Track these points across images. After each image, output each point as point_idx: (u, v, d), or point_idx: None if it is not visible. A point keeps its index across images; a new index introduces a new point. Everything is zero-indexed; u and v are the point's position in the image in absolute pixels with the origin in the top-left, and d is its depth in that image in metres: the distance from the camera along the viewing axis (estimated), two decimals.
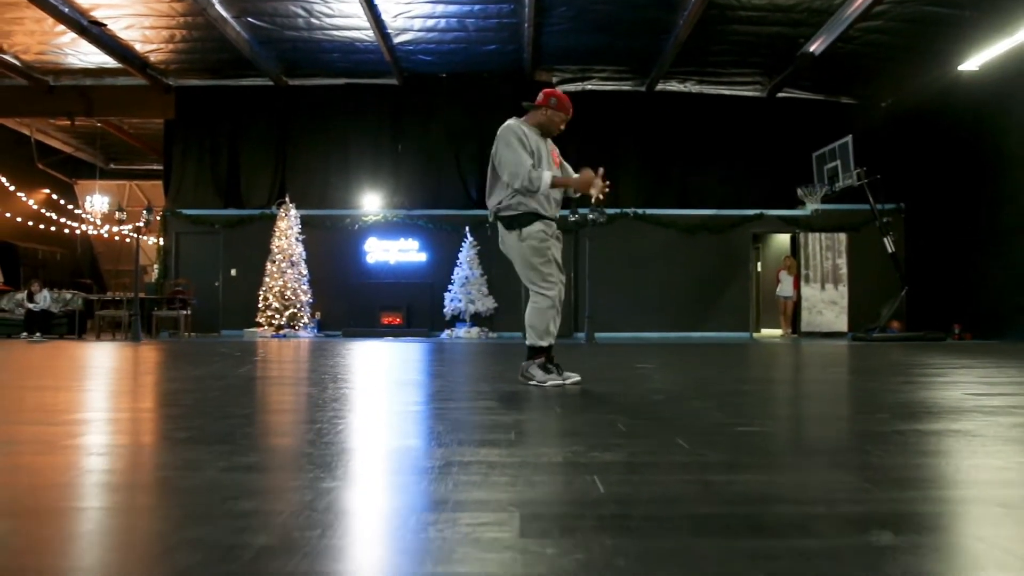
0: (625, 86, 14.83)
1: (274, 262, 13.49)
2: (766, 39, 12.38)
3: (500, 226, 4.01)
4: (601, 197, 3.84)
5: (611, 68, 14.13)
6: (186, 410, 3.13)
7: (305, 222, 14.03)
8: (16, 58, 13.52)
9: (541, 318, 3.89)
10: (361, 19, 11.86)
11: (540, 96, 3.99)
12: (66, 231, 19.38)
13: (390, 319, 14.12)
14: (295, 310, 13.41)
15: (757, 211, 14.34)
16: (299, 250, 13.73)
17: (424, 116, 14.79)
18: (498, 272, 13.26)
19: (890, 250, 12.38)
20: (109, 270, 21.55)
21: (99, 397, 3.74)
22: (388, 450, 2.22)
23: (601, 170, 3.86)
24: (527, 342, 3.99)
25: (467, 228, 13.85)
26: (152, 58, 13.63)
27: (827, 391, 4.32)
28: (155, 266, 15.85)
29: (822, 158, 13.72)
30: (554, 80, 14.45)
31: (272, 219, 13.90)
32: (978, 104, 12.23)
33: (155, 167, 18.76)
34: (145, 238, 18.14)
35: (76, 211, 19.90)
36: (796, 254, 14.25)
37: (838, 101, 14.81)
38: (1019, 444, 2.23)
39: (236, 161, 14.98)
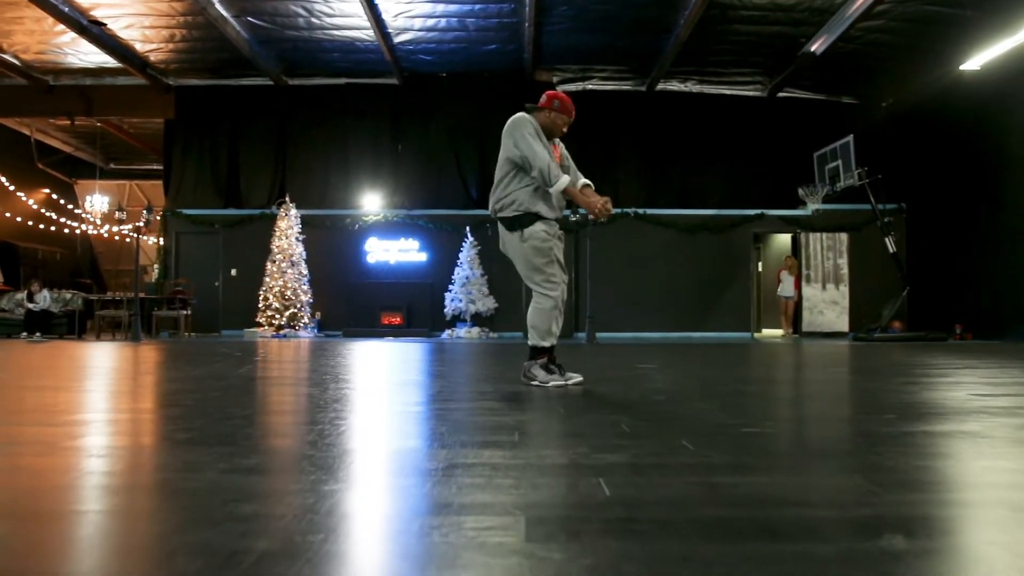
0: (626, 86, 14.81)
1: (274, 262, 13.47)
2: (767, 39, 12.36)
3: (501, 227, 3.99)
4: (603, 220, 3.83)
5: (611, 68, 14.11)
6: (186, 411, 3.10)
7: (305, 222, 14.01)
8: (16, 57, 13.50)
9: (543, 319, 3.88)
10: (361, 19, 11.84)
11: (543, 98, 3.97)
12: (66, 231, 19.36)
13: (390, 319, 14.10)
14: (295, 310, 13.40)
15: (758, 211, 14.32)
16: (299, 250, 13.71)
17: (424, 116, 14.77)
18: (499, 272, 13.24)
19: (892, 250, 12.36)
20: (109, 270, 21.54)
21: (99, 398, 3.72)
22: (390, 452, 2.21)
23: (609, 200, 3.84)
24: (529, 342, 3.97)
25: (467, 228, 13.84)
26: (152, 58, 13.61)
27: (830, 391, 4.30)
28: (155, 266, 15.84)
29: (823, 158, 13.70)
30: (554, 80, 14.44)
31: (272, 219, 13.89)
32: (980, 104, 12.20)
33: (155, 167, 18.75)
34: (145, 238, 18.12)
35: (76, 211, 19.88)
36: (797, 254, 14.23)
37: (839, 101, 14.79)
38: None
39: (236, 161, 14.97)
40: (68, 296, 13.95)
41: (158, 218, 14.46)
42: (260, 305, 13.39)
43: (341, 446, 2.20)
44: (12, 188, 17.28)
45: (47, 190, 19.02)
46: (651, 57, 13.38)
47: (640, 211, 14.33)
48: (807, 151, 14.05)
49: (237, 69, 14.02)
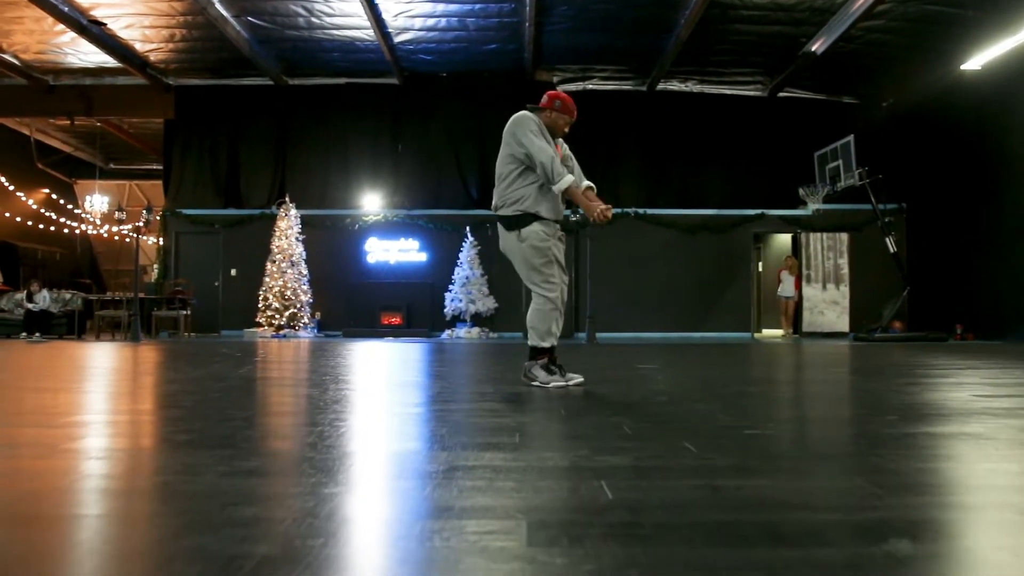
0: (626, 86, 14.80)
1: (274, 262, 13.46)
2: (767, 38, 12.34)
3: (500, 226, 3.98)
4: (603, 220, 3.77)
5: (612, 67, 14.10)
6: (186, 412, 3.09)
7: (305, 222, 13.99)
8: (16, 57, 13.49)
9: (542, 319, 3.86)
10: (361, 18, 11.83)
11: (544, 98, 3.96)
12: (66, 231, 19.34)
13: (390, 319, 14.08)
14: (295, 310, 13.38)
15: (758, 211, 14.31)
16: (299, 250, 13.70)
17: (424, 116, 14.75)
18: (499, 272, 13.23)
19: (892, 250, 12.34)
20: (109, 270, 21.53)
21: (98, 399, 3.70)
22: (390, 454, 2.19)
23: (609, 208, 3.79)
24: (529, 343, 3.96)
25: (467, 228, 13.82)
26: (152, 57, 13.60)
27: (832, 392, 4.28)
28: (155, 266, 15.82)
29: (824, 158, 13.69)
30: (555, 80, 14.42)
31: (272, 219, 13.87)
32: (981, 104, 12.19)
33: (155, 167, 18.74)
34: (145, 238, 18.10)
35: (76, 211, 19.86)
36: (797, 254, 14.22)
37: (840, 101, 14.78)
38: None
39: (236, 161, 14.96)
40: (67, 296, 13.94)
41: (158, 218, 14.44)
42: (260, 305, 13.38)
43: (341, 448, 2.19)
44: (12, 188, 17.27)
45: (47, 190, 19.00)
46: (651, 57, 13.36)
47: (640, 211, 14.31)
48: (808, 151, 14.04)
49: (237, 69, 14.00)
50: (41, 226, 18.40)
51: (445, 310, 13.76)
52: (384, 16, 11.92)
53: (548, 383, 3.84)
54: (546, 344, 3.86)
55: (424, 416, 3.00)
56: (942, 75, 12.72)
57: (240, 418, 2.86)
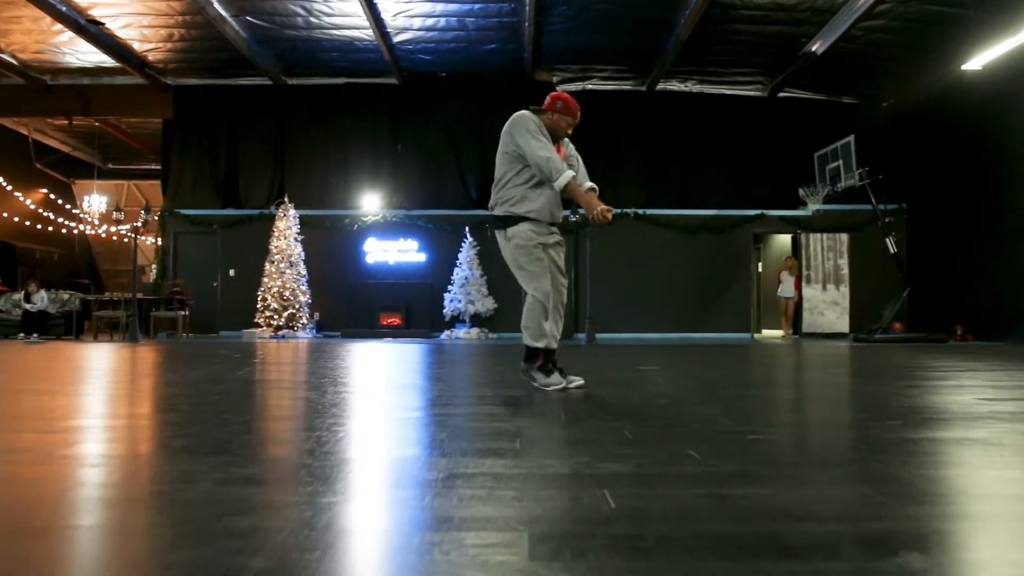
0: (626, 86, 14.77)
1: (273, 262, 13.42)
2: (768, 38, 12.32)
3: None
4: (603, 220, 3.70)
5: (612, 67, 14.07)
6: (183, 416, 3.06)
7: (304, 222, 13.96)
8: (13, 57, 13.45)
9: (532, 318, 3.82)
10: (360, 18, 11.80)
11: (547, 100, 3.92)
12: (64, 231, 19.30)
13: (389, 320, 14.05)
14: (294, 311, 13.35)
15: (758, 211, 14.28)
16: (298, 250, 13.66)
17: (424, 116, 14.72)
18: (498, 272, 13.18)
19: (892, 251, 12.32)
20: (107, 270, 21.48)
21: (95, 402, 3.68)
22: (389, 460, 2.16)
23: (610, 209, 3.73)
24: (523, 342, 3.94)
25: (467, 228, 13.78)
26: (150, 57, 13.56)
27: (834, 395, 4.26)
28: (153, 266, 15.78)
29: (824, 158, 13.67)
30: (554, 80, 14.39)
31: (271, 219, 13.84)
32: (981, 104, 12.17)
33: (153, 167, 18.70)
34: (143, 238, 18.06)
35: (74, 211, 19.82)
36: (797, 254, 14.20)
37: (840, 101, 14.75)
38: None
39: (235, 161, 14.92)
40: (65, 297, 13.90)
41: (156, 218, 14.40)
42: (258, 306, 13.34)
43: (339, 454, 2.16)
44: (10, 188, 17.22)
45: (45, 190, 18.95)
46: (651, 57, 13.33)
47: (640, 211, 14.29)
48: (808, 151, 14.01)
49: (236, 69, 13.97)
50: (39, 226, 18.36)
51: (444, 311, 13.73)
52: (383, 16, 11.89)
53: (547, 385, 3.81)
54: (540, 344, 3.82)
55: (423, 420, 2.97)
56: (942, 75, 12.70)
57: (237, 423, 2.83)
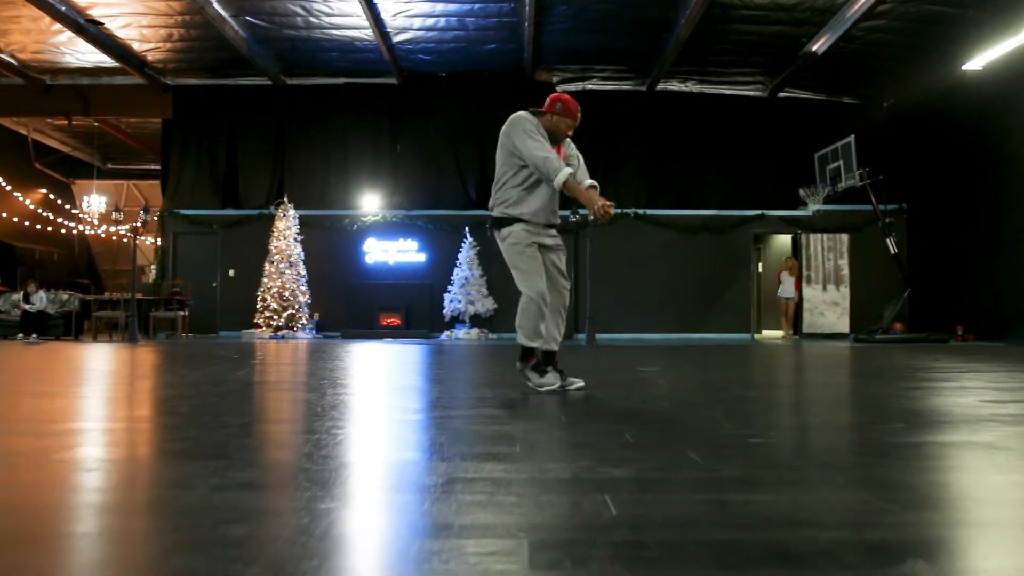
0: (626, 86, 14.75)
1: (272, 263, 13.40)
2: (768, 38, 12.30)
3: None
4: (605, 215, 3.66)
5: (612, 67, 14.05)
6: (181, 419, 3.05)
7: (304, 222, 13.94)
8: (13, 57, 13.42)
9: (525, 318, 3.79)
10: (360, 18, 11.77)
11: (547, 101, 3.90)
12: (63, 231, 19.27)
13: (389, 320, 14.03)
14: (293, 311, 13.33)
15: (758, 211, 14.26)
16: (297, 250, 13.64)
17: (423, 116, 14.70)
18: (498, 273, 13.15)
19: (893, 251, 12.30)
20: (107, 270, 21.46)
21: (92, 404, 3.66)
22: (388, 464, 2.14)
23: (612, 205, 3.68)
24: (518, 341, 3.91)
25: (467, 228, 13.76)
26: (150, 57, 13.54)
27: (836, 397, 4.24)
28: (153, 267, 15.76)
29: (824, 158, 13.64)
30: (554, 80, 14.37)
31: (270, 219, 13.81)
32: (982, 104, 12.15)
33: (153, 167, 18.68)
34: (142, 238, 18.04)
35: (73, 211, 19.80)
36: (797, 255, 14.18)
37: (840, 101, 14.73)
38: None
39: (234, 161, 14.90)
40: (65, 297, 13.88)
41: (155, 218, 14.38)
42: (258, 306, 13.32)
43: (338, 458, 2.14)
44: (9, 188, 17.20)
45: (44, 190, 18.93)
46: (651, 57, 13.31)
47: (640, 211, 14.27)
48: (808, 151, 13.99)
49: (235, 69, 13.94)
50: (39, 226, 18.33)
51: (444, 311, 13.71)
52: (383, 16, 11.87)
53: (541, 386, 3.77)
54: (534, 344, 3.79)
55: (423, 423, 2.95)
56: (943, 75, 12.68)
57: (236, 425, 2.81)
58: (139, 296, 12.23)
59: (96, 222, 19.72)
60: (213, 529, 1.41)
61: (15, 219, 17.40)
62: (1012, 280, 11.54)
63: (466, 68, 14.05)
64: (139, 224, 12.33)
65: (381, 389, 4.49)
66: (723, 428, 2.77)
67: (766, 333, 15.29)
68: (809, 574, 1.18)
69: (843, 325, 13.79)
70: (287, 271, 13.38)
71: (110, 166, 20.42)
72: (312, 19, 11.99)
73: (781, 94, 14.63)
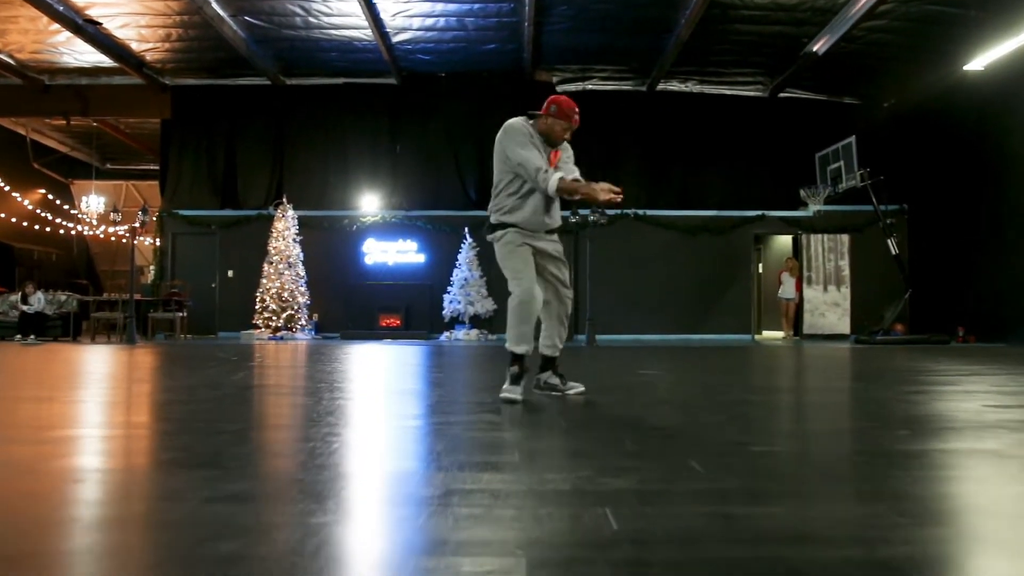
0: (626, 86, 14.70)
1: (271, 263, 13.34)
2: (768, 38, 12.24)
3: None
4: (615, 199, 3.62)
5: (612, 68, 13.99)
6: (175, 426, 3.00)
7: (303, 223, 13.88)
8: (11, 57, 13.37)
9: (513, 320, 3.69)
10: (359, 18, 11.72)
11: (545, 104, 3.84)
12: (62, 232, 19.22)
13: (389, 321, 13.98)
14: (292, 312, 13.27)
15: (759, 212, 14.21)
16: (296, 251, 13.58)
17: (423, 116, 14.65)
18: (498, 273, 12.95)
19: (894, 252, 12.25)
20: (105, 271, 21.41)
21: (85, 410, 3.61)
22: (384, 475, 2.10)
23: (610, 187, 3.64)
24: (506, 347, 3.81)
25: (466, 229, 13.70)
26: (148, 57, 13.48)
27: (838, 401, 4.20)
28: (151, 267, 15.70)
29: (825, 159, 13.59)
30: (554, 80, 14.32)
31: (269, 220, 13.76)
32: (983, 104, 12.10)
33: (152, 167, 18.62)
34: (141, 239, 17.99)
35: (72, 211, 19.75)
36: (798, 255, 14.13)
37: (841, 101, 14.68)
38: None
39: (233, 161, 14.84)
40: (63, 298, 13.82)
41: (153, 219, 14.33)
42: (257, 307, 13.26)
43: (332, 468, 2.09)
44: (8, 188, 17.15)
45: (43, 190, 18.88)
46: (651, 57, 13.26)
47: (640, 212, 14.21)
48: (808, 152, 13.94)
49: (234, 69, 13.89)
50: (37, 227, 18.28)
51: (444, 312, 13.66)
52: (382, 16, 11.82)
53: (505, 392, 3.60)
54: (519, 350, 3.68)
55: (421, 430, 2.91)
56: (944, 76, 12.63)
57: (230, 432, 2.76)
58: (137, 297, 12.18)
59: (95, 222, 19.66)
60: (199, 546, 1.37)
61: (13, 219, 17.34)
62: (1013, 281, 11.50)
63: (466, 68, 13.99)
64: (137, 224, 12.28)
65: (379, 393, 4.45)
66: (725, 435, 2.73)
67: (766, 334, 15.24)
68: None
69: (844, 326, 13.74)
70: (286, 272, 13.33)
71: (109, 166, 20.36)
72: (311, 19, 11.94)
73: (782, 94, 14.58)
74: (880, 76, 13.46)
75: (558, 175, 3.59)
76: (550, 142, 3.75)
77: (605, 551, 1.35)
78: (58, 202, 19.15)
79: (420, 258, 14.30)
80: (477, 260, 13.61)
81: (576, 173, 3.82)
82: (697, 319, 14.10)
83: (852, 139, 12.63)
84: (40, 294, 13.19)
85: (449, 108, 14.48)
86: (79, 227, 19.81)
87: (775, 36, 12.12)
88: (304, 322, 13.49)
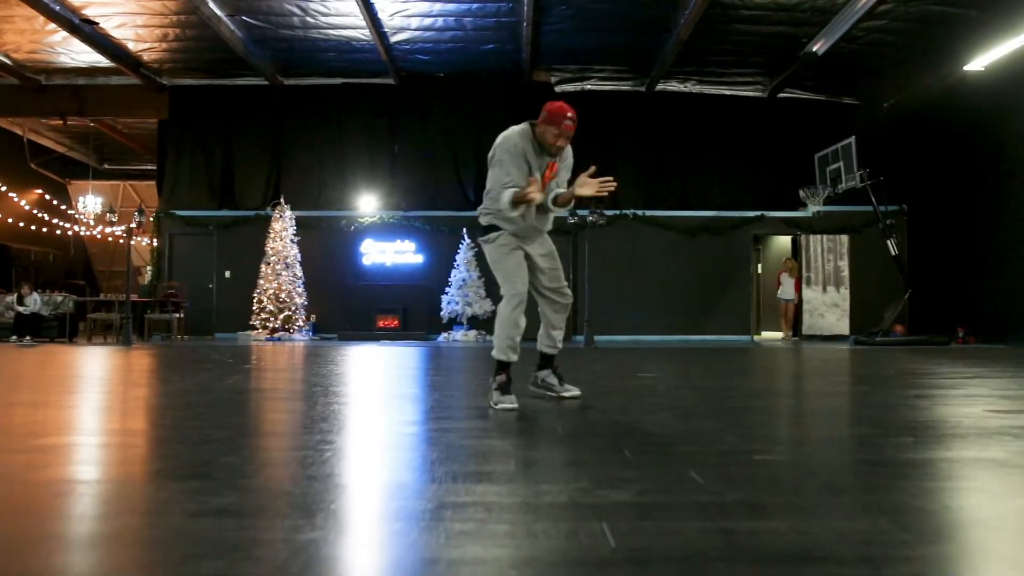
0: (625, 86, 14.66)
1: (269, 264, 13.30)
2: (768, 38, 12.21)
3: None
4: (605, 193, 3.60)
5: (611, 68, 13.95)
6: (165, 433, 2.95)
7: (300, 223, 13.83)
8: (7, 56, 13.32)
9: (502, 327, 3.61)
10: (357, 18, 11.68)
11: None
12: (59, 232, 19.16)
13: (386, 322, 13.93)
14: (290, 313, 13.23)
15: (758, 213, 14.18)
16: (294, 252, 13.54)
17: (421, 116, 14.61)
18: None
19: (894, 252, 12.22)
20: (103, 271, 21.36)
21: (75, 415, 3.56)
22: (376, 486, 2.05)
23: (592, 168, 3.62)
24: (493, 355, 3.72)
25: (464, 229, 13.65)
26: (145, 57, 13.43)
27: (839, 406, 4.15)
28: (148, 268, 15.64)
29: (824, 159, 13.55)
30: (553, 80, 14.27)
31: (267, 220, 13.72)
32: (983, 105, 12.06)
33: (149, 167, 18.56)
34: (138, 239, 17.93)
35: (69, 212, 19.69)
36: (797, 256, 14.10)
37: (841, 101, 14.64)
38: None
39: (230, 162, 14.80)
40: (59, 299, 13.76)
41: (150, 219, 14.27)
42: (254, 308, 13.21)
43: (323, 479, 2.04)
44: (4, 189, 17.10)
45: (40, 190, 18.83)
46: (651, 57, 13.22)
47: (639, 213, 14.18)
48: (808, 152, 13.90)
49: (231, 69, 13.84)
50: (34, 227, 18.22)
51: (442, 313, 13.62)
52: (380, 16, 11.77)
53: (497, 403, 3.50)
54: (502, 358, 3.59)
55: (416, 437, 2.86)
56: (944, 76, 12.59)
57: (220, 440, 2.71)
58: (134, 298, 12.12)
59: (92, 223, 19.61)
60: (182, 565, 1.32)
61: (10, 220, 17.30)
62: (1013, 282, 11.46)
63: (464, 68, 13.95)
64: (134, 225, 12.23)
65: (375, 397, 4.40)
66: (725, 443, 2.68)
67: (766, 335, 15.21)
68: None
69: (843, 327, 13.71)
70: (283, 272, 13.28)
71: (106, 166, 20.31)
72: (309, 19, 11.89)
73: (781, 94, 14.54)
74: (880, 76, 13.43)
75: (510, 191, 3.51)
76: (546, 150, 3.68)
77: (602, 570, 1.30)
78: (55, 202, 19.10)
79: (418, 259, 14.26)
80: (475, 261, 13.56)
81: (559, 190, 3.75)
82: (696, 320, 14.07)
83: (852, 139, 12.59)
84: (36, 295, 13.13)
85: (447, 108, 14.44)
86: (76, 227, 19.75)
87: (775, 36, 12.09)
88: (301, 323, 13.45)
